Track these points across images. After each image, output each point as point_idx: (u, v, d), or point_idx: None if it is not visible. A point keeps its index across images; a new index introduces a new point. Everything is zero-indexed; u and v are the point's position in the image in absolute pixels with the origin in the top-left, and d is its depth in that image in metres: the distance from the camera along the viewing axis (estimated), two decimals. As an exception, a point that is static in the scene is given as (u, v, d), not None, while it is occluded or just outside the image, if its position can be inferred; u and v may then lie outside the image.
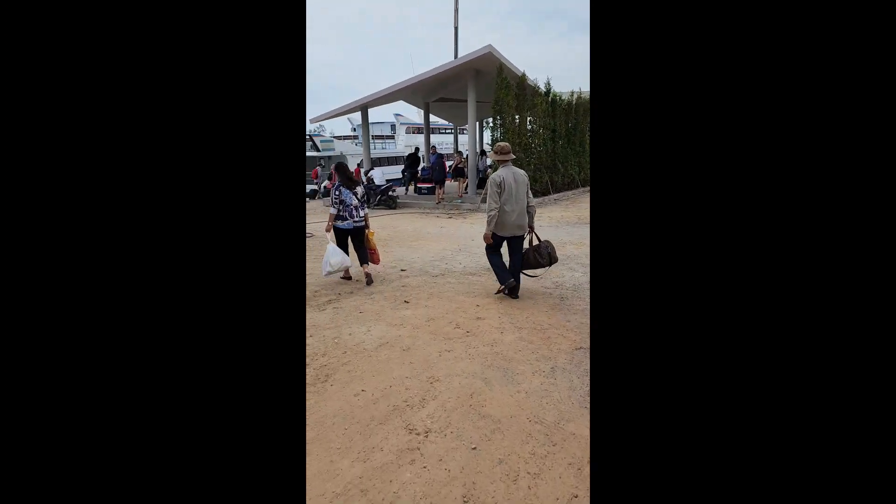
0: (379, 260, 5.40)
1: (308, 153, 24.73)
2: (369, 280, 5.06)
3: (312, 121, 19.22)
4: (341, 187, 4.99)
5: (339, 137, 30.14)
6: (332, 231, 5.03)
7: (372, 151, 25.13)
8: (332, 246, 4.88)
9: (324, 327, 3.85)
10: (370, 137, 27.08)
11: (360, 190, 5.08)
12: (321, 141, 24.77)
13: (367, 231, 5.17)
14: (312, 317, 4.13)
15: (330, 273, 4.80)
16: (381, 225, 9.45)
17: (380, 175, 13.53)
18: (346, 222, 5.01)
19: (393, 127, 31.05)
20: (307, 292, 4.79)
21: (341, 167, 5.26)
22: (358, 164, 19.03)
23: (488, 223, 4.34)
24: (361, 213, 5.07)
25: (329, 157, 23.72)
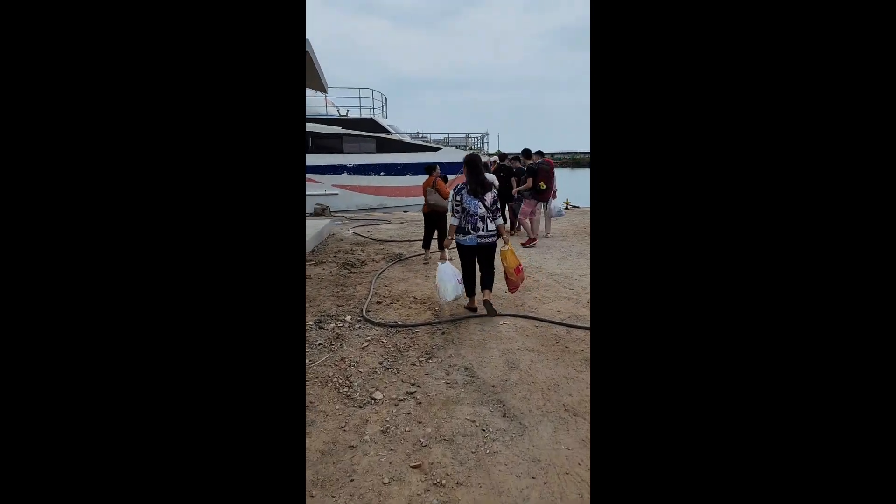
0: (517, 286, 3.87)
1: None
2: (490, 310, 3.69)
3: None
4: (463, 191, 3.66)
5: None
6: (451, 246, 3.90)
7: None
8: (445, 267, 3.74)
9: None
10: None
11: (489, 196, 3.64)
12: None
13: (503, 249, 3.74)
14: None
15: (454, 299, 3.77)
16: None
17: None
18: (468, 237, 3.66)
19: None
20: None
21: (472, 161, 3.76)
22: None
23: None
24: (490, 226, 3.65)
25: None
